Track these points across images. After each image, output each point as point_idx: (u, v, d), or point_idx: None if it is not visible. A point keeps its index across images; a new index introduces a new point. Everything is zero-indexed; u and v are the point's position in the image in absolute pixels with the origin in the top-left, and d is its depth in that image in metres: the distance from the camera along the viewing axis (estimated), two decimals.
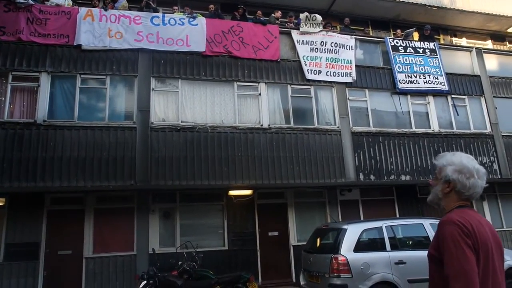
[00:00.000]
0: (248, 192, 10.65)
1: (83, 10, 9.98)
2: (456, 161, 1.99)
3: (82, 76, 9.69)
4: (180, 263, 8.05)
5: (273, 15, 11.97)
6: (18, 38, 9.49)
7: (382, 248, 7.21)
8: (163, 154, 9.60)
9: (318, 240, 8.24)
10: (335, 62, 11.65)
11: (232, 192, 10.49)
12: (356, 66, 11.87)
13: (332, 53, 11.64)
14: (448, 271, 1.77)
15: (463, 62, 13.72)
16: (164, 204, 10.16)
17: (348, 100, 11.60)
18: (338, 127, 11.23)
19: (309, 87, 11.35)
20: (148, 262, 9.32)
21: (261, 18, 11.70)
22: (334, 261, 6.89)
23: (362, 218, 11.55)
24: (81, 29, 9.78)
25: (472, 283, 1.71)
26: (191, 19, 10.63)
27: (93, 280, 9.21)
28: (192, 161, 9.74)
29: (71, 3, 10.28)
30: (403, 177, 11.41)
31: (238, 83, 10.67)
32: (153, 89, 10.01)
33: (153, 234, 9.81)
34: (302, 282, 8.07)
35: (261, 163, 10.26)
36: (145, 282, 7.71)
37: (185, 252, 8.64)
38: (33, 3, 9.77)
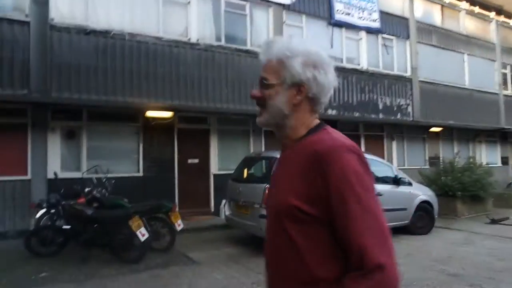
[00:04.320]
0: (168, 114, 9.49)
1: None
2: (304, 48, 1.20)
3: None
4: (87, 189, 6.87)
5: None
6: None
7: None
8: (68, 61, 7.82)
9: (248, 169, 7.70)
10: None
11: (150, 113, 9.24)
12: None
13: None
14: (357, 232, 1.02)
15: (394, 2, 13.60)
16: (68, 122, 8.53)
17: (284, 24, 10.71)
18: None
19: (244, 2, 10.14)
20: (47, 188, 7.90)
21: None
22: (267, 191, 6.42)
23: None
24: None
25: (391, 244, 1.05)
26: None
27: None
28: (104, 73, 8.15)
29: None
30: (329, 112, 11.28)
31: None
32: None
33: (53, 157, 8.28)
34: (226, 213, 7.59)
35: (186, 82, 9.09)
36: (43, 210, 6.45)
37: (94, 177, 7.43)
38: None
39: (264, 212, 6.39)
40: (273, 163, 6.79)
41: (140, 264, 5.91)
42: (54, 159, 8.28)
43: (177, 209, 9.00)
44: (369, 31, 12.35)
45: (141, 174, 9.22)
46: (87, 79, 8.00)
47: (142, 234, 5.81)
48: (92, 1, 8.17)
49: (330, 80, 1.22)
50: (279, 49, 1.19)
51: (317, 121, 1.25)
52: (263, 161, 7.54)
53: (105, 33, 8.18)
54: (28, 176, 7.98)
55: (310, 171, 1.09)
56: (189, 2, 9.25)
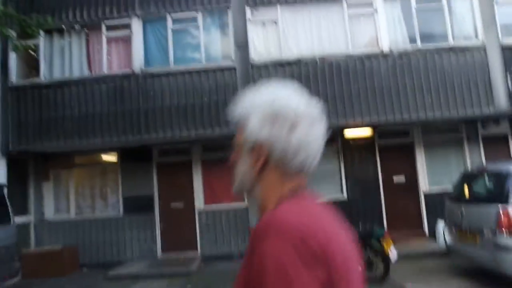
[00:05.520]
0: (366, 132, 9.09)
1: None
2: (263, 99, 0.97)
3: (173, 15, 8.82)
4: None
5: None
6: None
7: None
8: None
9: (469, 187, 6.46)
10: None
11: (349, 132, 9.03)
12: None
13: None
14: None
15: None
16: None
17: (495, 4, 8.85)
18: (481, 42, 8.70)
19: None
20: None
21: None
22: (504, 214, 5.17)
23: None
24: None
25: None
26: None
27: (207, 232, 8.90)
28: None
29: None
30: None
31: (348, 1, 8.74)
32: (249, 19, 8.71)
33: None
34: (447, 239, 6.52)
35: (382, 95, 8.49)
36: None
37: None
38: None
39: (502, 241, 5.16)
40: (503, 178, 5.48)
41: None
42: None
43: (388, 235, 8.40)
44: None
45: (344, 196, 9.04)
46: None
47: None
48: (284, 36, 8.67)
49: (299, 137, 0.93)
50: (241, 106, 1.01)
51: (290, 188, 0.95)
52: (489, 177, 6.19)
53: (297, 61, 8.51)
54: (245, 204, 8.88)
55: (248, 256, 0.86)
56: (376, 10, 8.72)
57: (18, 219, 8.45)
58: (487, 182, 6.27)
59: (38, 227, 9.26)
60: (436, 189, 8.91)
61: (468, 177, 6.59)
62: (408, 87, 8.46)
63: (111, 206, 9.36)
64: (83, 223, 9.25)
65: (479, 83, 8.57)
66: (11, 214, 6.93)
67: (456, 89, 8.52)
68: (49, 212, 9.41)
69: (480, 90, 8.57)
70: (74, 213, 9.40)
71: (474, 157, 9.13)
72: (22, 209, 8.98)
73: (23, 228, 8.70)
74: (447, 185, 8.03)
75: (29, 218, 9.19)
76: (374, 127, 9.00)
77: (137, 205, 9.05)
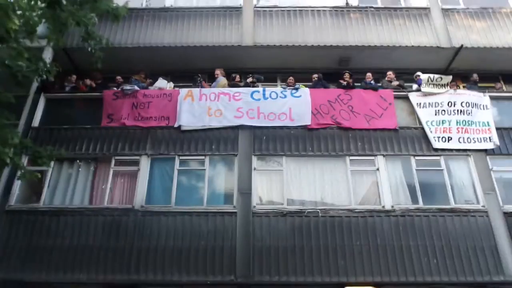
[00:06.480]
0: None
1: (183, 91, 9.83)
2: None
3: (181, 157, 9.19)
4: None
5: (385, 79, 10.55)
6: (123, 124, 9.53)
7: None
8: (267, 244, 8.20)
9: None
10: (468, 126, 9.55)
11: None
12: (497, 128, 9.56)
13: (463, 114, 9.61)
14: None
15: None
16: None
17: (492, 172, 9.18)
18: (483, 206, 8.76)
19: (437, 157, 9.31)
20: None
21: (371, 82, 10.35)
22: None
23: None
24: (181, 109, 9.56)
25: None
26: (293, 91, 9.80)
27: None
28: (301, 252, 8.13)
29: (172, 85, 10.21)
30: None
31: (351, 158, 9.14)
32: (254, 168, 9.01)
33: None
34: None
35: (386, 254, 8.20)
36: None
37: None
38: (138, 89, 9.91)
39: None
40: None
41: None
42: None
43: None
44: None
45: None
46: (285, 260, 8.07)
47: None
48: (286, 185, 8.82)
49: None
50: None
51: None
52: None
53: (299, 213, 8.47)
54: None
55: None
56: (377, 169, 9.04)
57: None
58: None
59: None
60: None
61: None
62: (412, 248, 8.20)
63: None
64: None
65: (486, 248, 8.31)
66: None
67: (462, 254, 8.24)
68: None
69: (488, 256, 8.26)
70: None
71: None
72: None
73: None
74: None
75: None
76: (378, 286, 8.44)
77: None
